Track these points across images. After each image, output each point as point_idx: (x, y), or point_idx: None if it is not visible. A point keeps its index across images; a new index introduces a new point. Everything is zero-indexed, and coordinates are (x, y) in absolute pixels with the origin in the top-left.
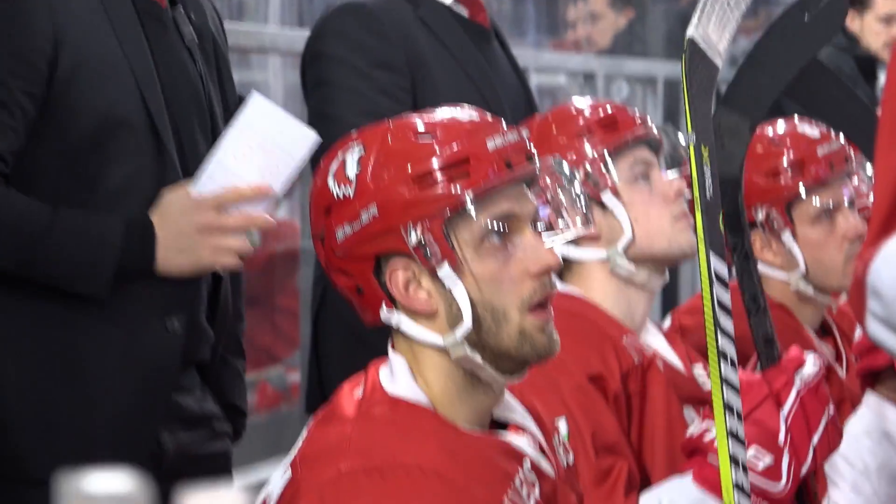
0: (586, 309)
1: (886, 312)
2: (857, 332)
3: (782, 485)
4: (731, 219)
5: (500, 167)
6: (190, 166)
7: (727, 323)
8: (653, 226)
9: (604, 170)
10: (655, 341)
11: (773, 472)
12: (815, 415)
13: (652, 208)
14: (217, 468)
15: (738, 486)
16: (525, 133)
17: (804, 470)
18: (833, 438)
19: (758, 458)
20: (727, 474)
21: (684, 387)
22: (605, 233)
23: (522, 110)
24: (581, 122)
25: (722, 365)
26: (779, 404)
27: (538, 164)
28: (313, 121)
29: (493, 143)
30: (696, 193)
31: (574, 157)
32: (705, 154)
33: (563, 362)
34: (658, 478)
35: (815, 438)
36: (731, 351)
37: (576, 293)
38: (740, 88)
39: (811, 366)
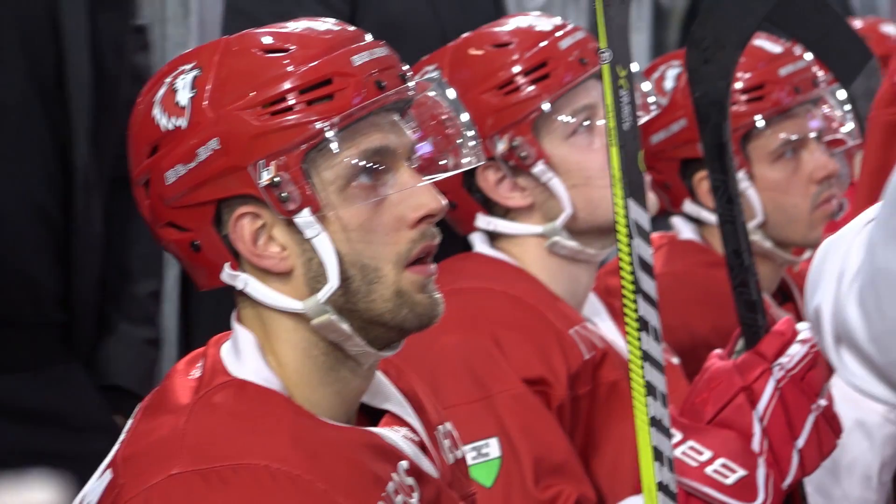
0: (521, 286)
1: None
2: None
3: (759, 503)
4: (713, 152)
5: (370, 89)
6: None
7: (649, 285)
8: (595, 193)
9: (532, 139)
10: (599, 319)
11: (746, 488)
12: (799, 412)
13: (593, 168)
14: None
15: (663, 487)
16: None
17: (787, 482)
18: (826, 439)
19: (727, 469)
20: (649, 472)
21: None
22: (538, 203)
23: None
24: (504, 72)
25: (643, 336)
26: (753, 401)
27: (415, 86)
28: (227, 15)
29: (359, 60)
30: (612, 124)
31: (495, 125)
32: (622, 75)
33: (495, 364)
34: (615, 494)
35: (800, 442)
36: (653, 319)
37: (508, 261)
38: None
39: (797, 346)
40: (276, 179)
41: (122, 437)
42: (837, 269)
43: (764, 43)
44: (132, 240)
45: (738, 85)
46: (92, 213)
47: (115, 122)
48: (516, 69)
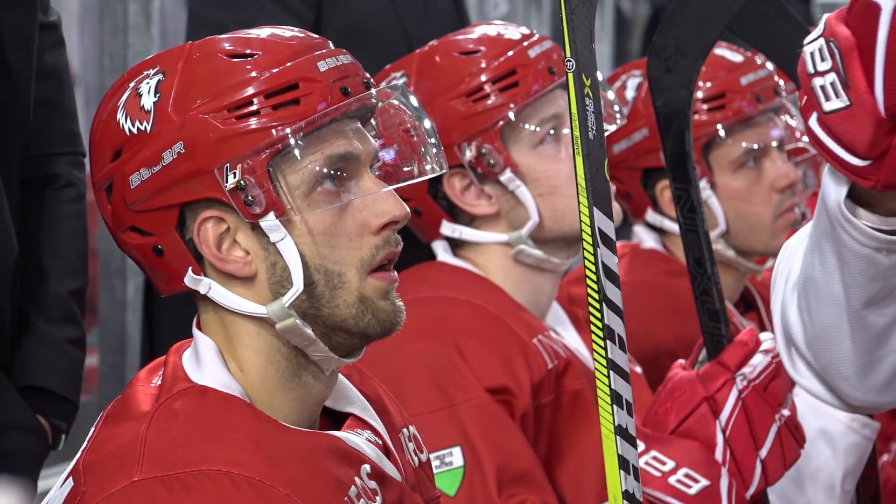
0: (485, 295)
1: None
2: None
3: None
4: (676, 161)
5: (335, 95)
6: None
7: (614, 294)
8: (561, 202)
9: (500, 146)
10: (562, 328)
11: (709, 498)
12: (762, 421)
13: (560, 178)
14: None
15: (629, 495)
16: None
17: (751, 492)
18: (789, 449)
19: (690, 480)
20: (615, 481)
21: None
22: (504, 211)
23: None
24: (471, 80)
25: (609, 345)
26: (716, 411)
27: (377, 94)
28: (191, 23)
29: (325, 66)
30: (577, 133)
31: (463, 133)
32: (587, 83)
33: (458, 373)
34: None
35: (764, 451)
36: (618, 327)
37: (471, 269)
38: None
39: (760, 356)
40: (241, 183)
41: (84, 445)
42: (785, 272)
43: (725, 52)
44: (48, 239)
45: (700, 94)
46: None
47: (25, 122)
48: (484, 77)
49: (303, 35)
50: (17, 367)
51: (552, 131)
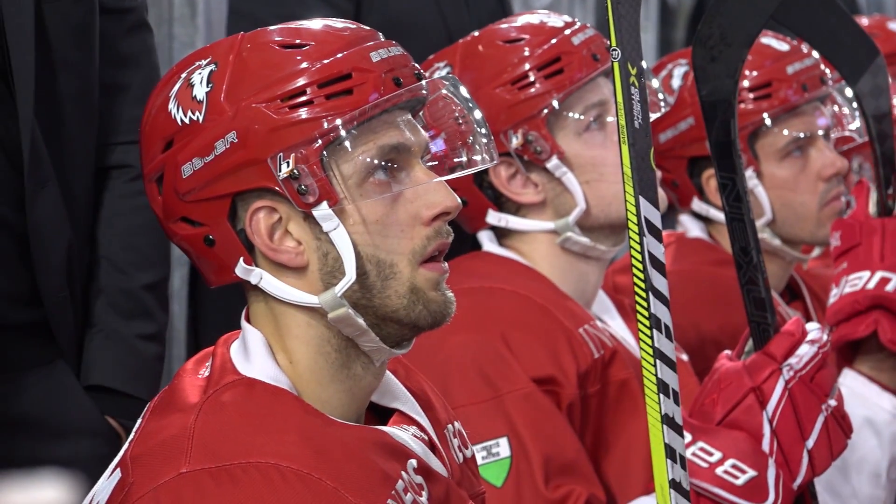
0: (531, 285)
1: None
2: (832, 295)
3: None
4: (721, 150)
5: (387, 85)
6: None
7: (661, 283)
8: (608, 188)
9: (546, 133)
10: (608, 317)
11: (756, 489)
12: (809, 412)
13: (607, 164)
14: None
15: (675, 484)
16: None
17: (798, 483)
18: (836, 439)
19: (737, 470)
20: (661, 470)
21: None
22: (550, 199)
23: None
24: (516, 68)
25: (655, 335)
26: (762, 402)
27: (428, 84)
28: (231, 18)
29: (377, 56)
30: (623, 122)
31: (509, 121)
32: (633, 72)
33: (504, 363)
34: (625, 494)
35: (811, 442)
36: (665, 316)
37: (517, 259)
38: None
39: (806, 346)
40: (294, 172)
41: (131, 436)
42: None
43: (771, 41)
44: (118, 231)
45: (746, 83)
46: (45, 210)
47: (89, 113)
48: (528, 65)
49: (354, 26)
50: (83, 366)
51: (596, 118)
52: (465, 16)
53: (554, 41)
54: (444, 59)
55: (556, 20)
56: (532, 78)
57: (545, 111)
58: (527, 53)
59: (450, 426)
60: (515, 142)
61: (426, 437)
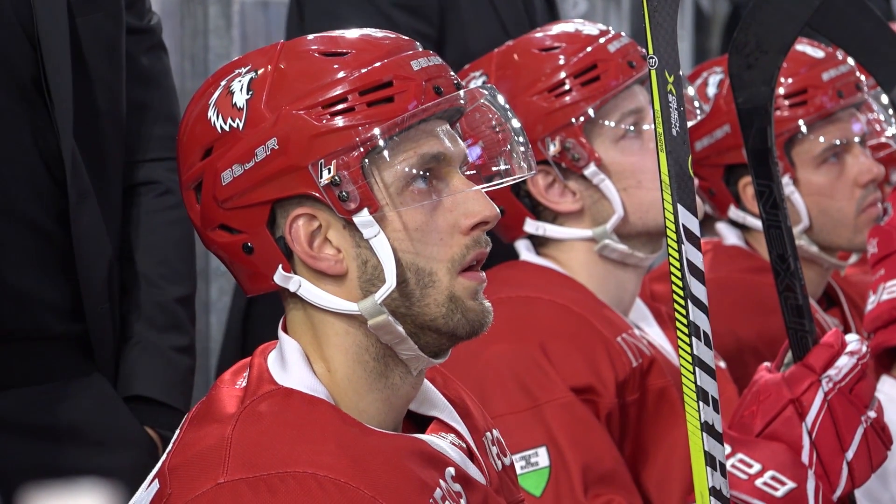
0: (568, 294)
1: None
2: (870, 302)
3: None
4: (758, 157)
5: (428, 93)
6: None
7: (699, 290)
8: (646, 195)
9: (584, 141)
10: (646, 325)
11: (796, 500)
12: (848, 423)
13: (645, 171)
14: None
15: (716, 492)
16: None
17: (837, 495)
18: (876, 450)
19: (777, 482)
20: (702, 477)
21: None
22: (587, 206)
23: None
24: (552, 76)
25: (694, 342)
26: (802, 413)
27: (467, 94)
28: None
29: (418, 65)
30: (660, 129)
31: (546, 128)
32: (671, 80)
33: (542, 373)
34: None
35: (850, 454)
36: (704, 324)
37: (554, 268)
38: None
39: (846, 358)
40: (335, 179)
41: (169, 447)
42: None
43: (806, 48)
44: (150, 246)
45: (781, 90)
46: (87, 222)
47: (120, 128)
48: (564, 73)
49: (393, 35)
50: (121, 377)
51: (633, 126)
52: None
53: (589, 49)
54: (480, 68)
55: (591, 28)
56: (568, 86)
57: (582, 118)
58: (562, 61)
59: (488, 434)
60: (553, 149)
61: (464, 445)
